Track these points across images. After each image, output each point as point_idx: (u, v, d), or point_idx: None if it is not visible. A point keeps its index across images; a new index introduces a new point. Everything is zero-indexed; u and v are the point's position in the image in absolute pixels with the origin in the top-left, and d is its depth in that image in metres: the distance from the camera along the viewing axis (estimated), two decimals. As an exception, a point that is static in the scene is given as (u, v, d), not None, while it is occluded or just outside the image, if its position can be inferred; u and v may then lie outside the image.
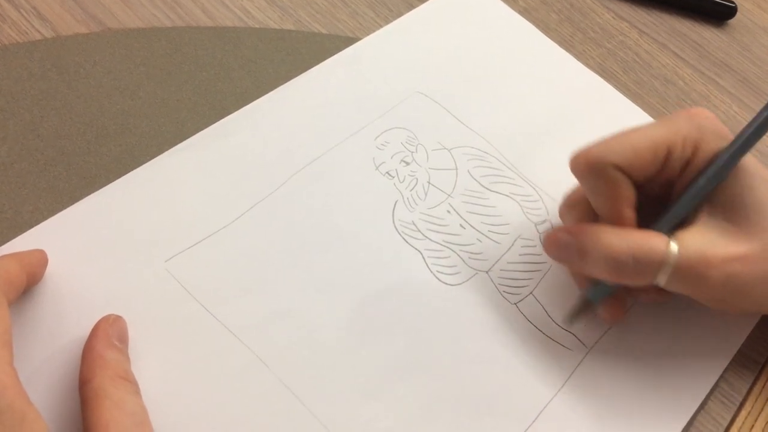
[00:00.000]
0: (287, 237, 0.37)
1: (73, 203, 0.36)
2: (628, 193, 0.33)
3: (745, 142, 0.32)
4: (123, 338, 0.31)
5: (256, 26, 0.45)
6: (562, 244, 0.34)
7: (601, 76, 0.47)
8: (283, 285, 0.35)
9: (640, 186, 0.34)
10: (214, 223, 0.36)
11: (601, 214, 0.34)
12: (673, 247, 0.32)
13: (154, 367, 0.32)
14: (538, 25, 0.48)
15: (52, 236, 0.34)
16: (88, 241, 0.35)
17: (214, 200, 0.37)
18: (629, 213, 0.34)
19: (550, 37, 0.48)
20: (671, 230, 0.33)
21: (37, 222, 0.35)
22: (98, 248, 0.34)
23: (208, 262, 0.35)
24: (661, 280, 0.32)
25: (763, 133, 0.32)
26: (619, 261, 0.32)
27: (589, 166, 0.33)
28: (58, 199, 0.36)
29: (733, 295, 0.33)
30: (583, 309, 0.35)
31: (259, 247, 0.36)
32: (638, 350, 0.36)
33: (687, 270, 0.32)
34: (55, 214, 0.35)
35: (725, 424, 0.36)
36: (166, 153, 0.38)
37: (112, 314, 0.32)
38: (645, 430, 0.34)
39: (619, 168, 0.33)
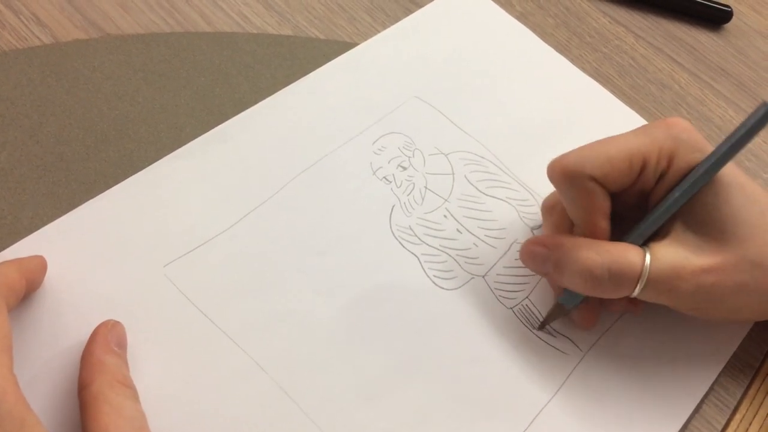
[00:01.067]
0: (285, 242, 0.37)
1: (73, 209, 0.36)
2: (602, 204, 0.34)
3: (720, 158, 0.32)
4: (122, 343, 0.32)
5: (254, 32, 0.45)
6: (538, 257, 0.35)
7: (597, 80, 0.47)
8: (280, 289, 0.35)
9: (614, 195, 0.34)
10: (212, 228, 0.37)
11: (576, 222, 0.35)
12: (647, 260, 0.32)
13: (152, 372, 0.32)
14: (534, 30, 0.49)
15: (52, 242, 0.35)
16: (87, 246, 0.35)
17: (212, 205, 0.37)
18: (603, 223, 0.34)
19: (546, 42, 0.48)
20: (645, 241, 0.34)
21: (37, 227, 0.35)
22: (97, 254, 0.35)
23: (207, 267, 0.35)
24: (635, 292, 0.33)
25: (738, 150, 0.32)
26: (595, 276, 0.32)
27: (565, 176, 0.33)
28: (57, 205, 0.36)
29: (704, 304, 0.33)
30: (556, 314, 0.36)
31: (256, 252, 0.36)
32: (633, 354, 0.36)
33: (659, 283, 0.32)
34: (55, 219, 0.35)
35: (720, 428, 0.36)
36: (164, 159, 0.38)
37: (111, 319, 0.32)
38: (640, 434, 0.35)
39: (594, 179, 0.33)
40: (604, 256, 0.33)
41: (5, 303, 0.29)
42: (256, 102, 0.41)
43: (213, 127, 0.40)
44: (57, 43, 0.41)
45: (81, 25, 0.42)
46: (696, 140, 0.34)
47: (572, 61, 0.48)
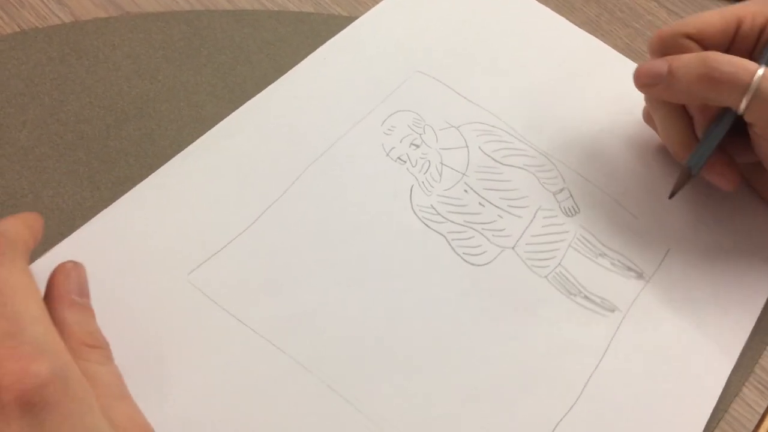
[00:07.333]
0: (307, 234, 0.35)
1: (93, 187, 0.36)
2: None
3: None
4: (83, 290, 0.28)
5: (275, 9, 0.44)
6: (654, 68, 0.36)
7: (629, 56, 0.45)
8: (309, 283, 0.34)
9: None
10: (231, 229, 0.35)
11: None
12: (761, 70, 0.33)
13: (190, 383, 0.31)
14: (562, 5, 0.47)
15: (73, 256, 0.32)
16: (107, 259, 0.33)
17: (228, 206, 0.36)
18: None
19: (575, 18, 0.47)
20: None
21: (57, 206, 0.35)
22: (118, 266, 0.33)
23: (232, 270, 0.34)
24: (743, 104, 0.34)
25: None
26: (711, 66, 0.34)
27: (660, 38, 0.36)
28: (78, 183, 0.36)
29: None
30: (684, 179, 0.37)
31: (280, 248, 0.35)
32: (674, 311, 0.36)
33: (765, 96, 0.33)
34: (75, 198, 0.35)
35: (761, 412, 0.35)
36: (171, 161, 0.36)
37: (68, 262, 0.29)
38: (685, 397, 0.34)
39: (690, 36, 0.36)
40: (722, 55, 0.34)
41: (26, 259, 0.26)
42: (277, 79, 0.40)
43: (234, 105, 0.39)
44: (77, 21, 0.41)
45: (100, 3, 0.42)
46: None
47: (602, 36, 0.46)
